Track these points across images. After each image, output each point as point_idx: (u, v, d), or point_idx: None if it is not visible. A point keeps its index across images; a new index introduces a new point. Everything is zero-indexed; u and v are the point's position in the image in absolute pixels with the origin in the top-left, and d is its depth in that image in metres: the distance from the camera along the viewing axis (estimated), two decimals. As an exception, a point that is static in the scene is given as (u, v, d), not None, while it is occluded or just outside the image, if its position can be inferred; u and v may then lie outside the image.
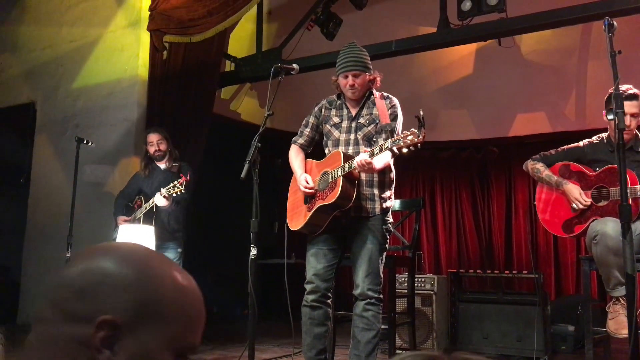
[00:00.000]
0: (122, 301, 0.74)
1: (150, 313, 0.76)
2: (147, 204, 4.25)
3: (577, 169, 3.28)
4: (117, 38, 5.63)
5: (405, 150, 2.61)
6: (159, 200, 4.11)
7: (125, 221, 4.36)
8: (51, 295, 0.77)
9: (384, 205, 2.97)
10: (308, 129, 3.20)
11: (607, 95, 3.17)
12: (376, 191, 2.96)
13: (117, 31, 5.65)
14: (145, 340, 0.75)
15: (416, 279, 4.23)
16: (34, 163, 5.96)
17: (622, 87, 3.00)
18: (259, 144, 2.78)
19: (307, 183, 2.96)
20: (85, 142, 4.65)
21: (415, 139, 2.56)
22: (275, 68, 3.00)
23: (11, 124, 6.20)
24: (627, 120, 3.03)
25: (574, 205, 3.17)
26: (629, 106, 3.02)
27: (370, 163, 2.71)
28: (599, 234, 2.90)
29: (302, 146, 3.21)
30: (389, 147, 2.65)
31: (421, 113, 2.54)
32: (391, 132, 2.88)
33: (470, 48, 6.46)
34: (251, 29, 6.20)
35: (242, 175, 2.70)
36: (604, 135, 3.28)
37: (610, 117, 2.49)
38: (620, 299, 2.89)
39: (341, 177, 2.80)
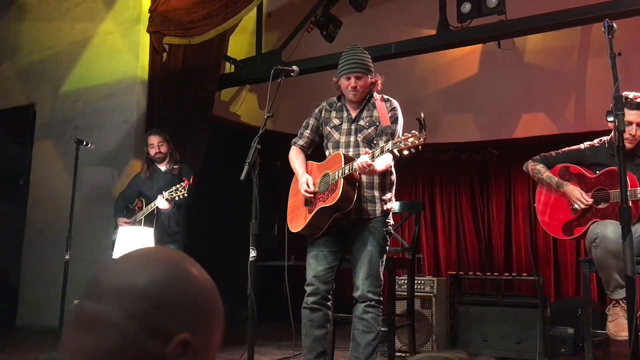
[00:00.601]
0: (198, 319, 0.77)
1: (206, 324, 0.79)
2: (149, 207, 4.25)
3: (577, 171, 3.28)
4: (117, 40, 5.63)
5: (406, 152, 2.61)
6: (161, 202, 4.12)
7: (126, 223, 4.36)
8: (126, 303, 0.75)
9: (385, 207, 2.97)
10: (308, 131, 3.19)
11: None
12: (377, 193, 2.95)
13: (116, 33, 5.65)
14: (202, 353, 0.78)
15: (416, 281, 4.22)
16: (34, 165, 5.95)
17: (630, 95, 3.02)
18: (259, 146, 2.78)
19: (308, 186, 2.95)
20: (84, 143, 4.65)
21: (417, 141, 2.56)
22: (275, 70, 3.00)
23: (11, 125, 6.20)
24: (633, 129, 3.03)
25: (575, 206, 3.17)
26: (635, 115, 3.03)
27: (371, 165, 2.71)
28: (599, 237, 2.89)
29: (302, 148, 3.20)
30: (390, 149, 2.65)
31: (422, 115, 2.54)
32: (392, 135, 2.88)
33: (470, 50, 6.47)
34: (251, 31, 6.20)
35: (242, 177, 2.70)
36: (605, 138, 3.27)
37: (610, 119, 2.49)
38: (620, 302, 2.89)
39: (342, 179, 2.79)
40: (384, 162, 2.84)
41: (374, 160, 2.72)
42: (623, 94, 2.88)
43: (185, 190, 4.00)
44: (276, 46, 5.92)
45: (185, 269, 0.80)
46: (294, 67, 3.06)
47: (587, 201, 3.13)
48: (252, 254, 2.75)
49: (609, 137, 3.25)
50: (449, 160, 7.31)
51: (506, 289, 4.89)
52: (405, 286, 4.05)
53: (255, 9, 5.69)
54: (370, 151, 2.75)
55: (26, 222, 5.84)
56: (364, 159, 2.70)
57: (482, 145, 7.10)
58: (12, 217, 5.95)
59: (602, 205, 3.12)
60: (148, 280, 0.76)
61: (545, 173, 3.34)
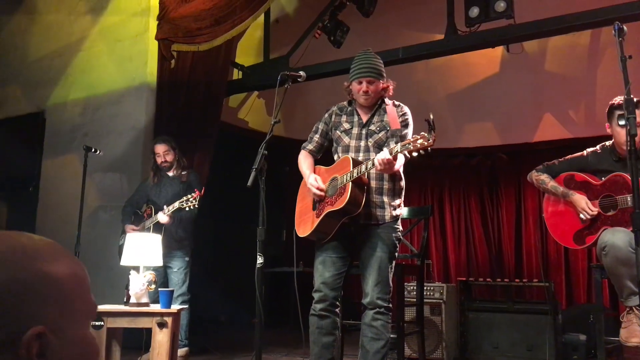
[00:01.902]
0: (31, 309, 0.72)
1: (59, 304, 0.75)
2: (152, 219, 4.27)
3: (582, 178, 3.23)
4: (126, 47, 5.66)
5: (415, 154, 2.59)
6: (162, 217, 4.19)
7: (134, 230, 4.37)
8: None
9: (394, 213, 2.94)
10: (317, 136, 3.18)
11: (609, 107, 3.14)
12: (386, 199, 2.93)
13: (125, 40, 5.68)
14: (67, 330, 0.74)
15: (425, 288, 4.19)
16: (43, 172, 5.99)
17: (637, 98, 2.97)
18: (266, 152, 2.76)
19: (317, 182, 2.94)
20: (93, 150, 4.68)
21: (426, 143, 2.54)
22: (282, 75, 2.99)
23: (21, 133, 6.24)
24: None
25: (582, 216, 3.13)
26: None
27: (391, 161, 2.68)
28: (608, 245, 2.85)
29: (311, 152, 3.19)
30: (399, 150, 2.63)
31: (431, 116, 2.51)
32: (401, 138, 2.87)
33: (479, 54, 6.44)
34: (258, 37, 6.21)
35: (249, 183, 2.69)
36: (607, 144, 3.23)
37: (622, 122, 2.46)
38: (635, 309, 2.84)
39: (350, 183, 2.77)
40: (399, 162, 2.82)
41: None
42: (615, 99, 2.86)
43: (196, 201, 4.01)
44: (284, 52, 5.93)
45: (12, 256, 0.74)
46: (301, 73, 3.05)
47: (592, 211, 3.09)
48: (259, 260, 2.73)
49: (610, 143, 3.20)
50: (458, 166, 7.26)
51: (517, 295, 4.84)
52: (414, 292, 4.01)
53: (262, 15, 5.70)
54: (389, 148, 2.72)
55: (36, 228, 5.86)
56: (384, 155, 2.67)
57: (492, 150, 7.05)
58: (22, 224, 5.98)
59: (611, 212, 3.08)
60: None
61: (550, 183, 3.29)
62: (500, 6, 4.56)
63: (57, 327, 0.73)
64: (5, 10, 6.71)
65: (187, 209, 4.06)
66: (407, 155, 2.66)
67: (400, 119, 2.97)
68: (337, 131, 3.09)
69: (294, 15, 6.58)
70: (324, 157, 3.24)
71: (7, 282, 0.71)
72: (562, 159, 3.34)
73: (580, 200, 3.14)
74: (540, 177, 3.34)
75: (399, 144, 2.66)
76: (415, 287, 4.05)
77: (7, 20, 6.67)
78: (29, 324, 0.70)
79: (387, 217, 2.92)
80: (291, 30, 6.27)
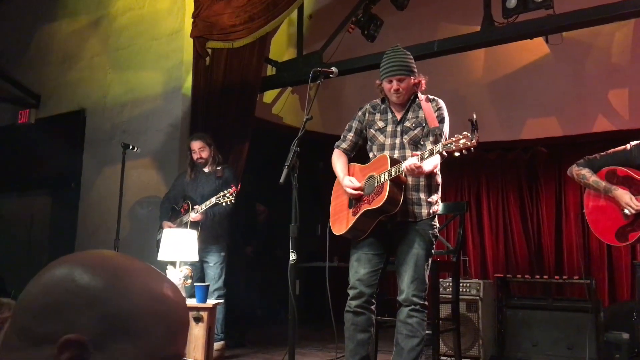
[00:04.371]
0: (87, 317, 0.69)
1: (121, 327, 0.70)
2: (188, 215, 4.33)
3: (625, 173, 3.12)
4: (162, 45, 5.75)
5: (457, 154, 2.55)
6: (193, 216, 4.26)
7: (170, 227, 4.44)
8: (15, 318, 0.71)
9: (431, 209, 2.91)
10: (351, 134, 3.16)
11: None
12: (423, 195, 2.89)
13: (161, 38, 5.77)
14: (116, 356, 0.70)
15: (461, 284, 4.13)
16: (84, 169, 6.14)
17: None
18: (298, 149, 2.76)
19: (352, 183, 2.92)
20: (131, 147, 4.77)
21: (468, 143, 2.50)
22: (314, 72, 2.98)
23: (63, 130, 6.41)
24: None
25: (626, 211, 3.02)
26: None
27: (419, 167, 2.66)
28: None
29: (345, 151, 3.17)
30: (440, 150, 2.59)
31: (474, 116, 2.47)
32: (439, 135, 2.83)
33: (518, 45, 6.29)
34: (292, 33, 6.22)
35: (281, 180, 2.69)
36: None
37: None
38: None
39: (388, 182, 2.75)
40: (431, 163, 2.79)
41: (422, 162, 2.67)
42: None
43: (232, 196, 4.06)
44: (317, 47, 5.91)
45: (74, 266, 0.73)
46: (333, 69, 3.03)
47: (637, 206, 2.98)
48: (292, 257, 2.73)
49: None
50: (495, 160, 7.12)
51: (557, 293, 4.73)
52: (450, 289, 3.96)
53: (296, 11, 5.70)
54: (419, 153, 2.70)
55: (78, 224, 6.03)
56: (412, 161, 2.65)
57: (531, 143, 6.88)
58: (65, 220, 6.16)
59: (656, 208, 2.97)
60: (33, 288, 0.72)
61: (591, 178, 3.19)
62: (539, -4, 4.43)
63: (111, 346, 0.70)
64: (45, 13, 6.90)
65: (223, 204, 4.11)
66: (446, 154, 2.62)
67: (436, 114, 2.93)
68: (372, 129, 3.06)
69: (327, 10, 6.55)
70: (357, 154, 3.21)
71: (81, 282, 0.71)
72: (604, 153, 3.24)
73: (624, 195, 3.04)
74: (581, 172, 3.25)
75: (439, 144, 2.62)
76: (450, 284, 4.00)
77: (47, 21, 6.86)
78: (74, 331, 0.69)
79: (424, 214, 2.89)
80: (324, 25, 6.25)
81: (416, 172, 2.67)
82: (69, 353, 0.67)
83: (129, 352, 0.70)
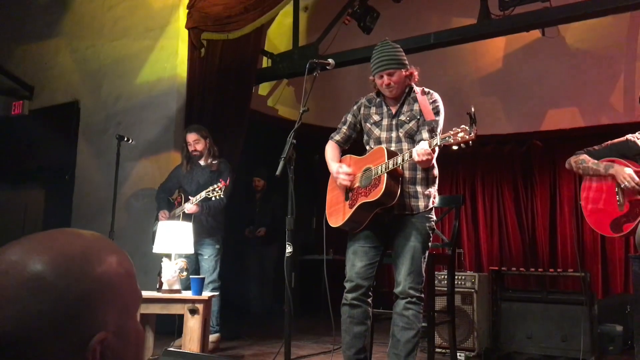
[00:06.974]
0: (96, 316, 0.72)
1: (117, 304, 0.75)
2: (181, 208, 4.31)
3: (623, 164, 3.13)
4: (157, 36, 5.71)
5: (455, 147, 2.54)
6: (188, 207, 4.23)
7: (164, 218, 4.42)
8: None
9: (428, 203, 2.91)
10: (345, 127, 3.15)
11: None
12: (419, 189, 2.89)
13: (156, 30, 5.73)
14: (124, 327, 0.76)
15: (456, 277, 4.14)
16: (78, 160, 6.11)
17: None
18: (294, 141, 2.75)
19: (342, 168, 2.91)
20: (125, 139, 4.74)
21: (467, 137, 2.49)
22: (310, 63, 2.96)
23: (56, 122, 6.36)
24: None
25: (626, 184, 3.00)
26: None
27: (430, 153, 2.64)
28: None
29: (338, 143, 3.17)
30: (439, 143, 2.58)
31: (472, 110, 2.46)
32: (435, 128, 2.82)
33: (513, 38, 6.28)
34: (288, 25, 6.19)
35: (277, 172, 2.68)
36: None
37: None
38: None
39: (385, 174, 2.74)
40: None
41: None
42: None
43: (221, 191, 4.03)
44: (313, 39, 5.89)
45: (72, 264, 0.73)
46: (330, 61, 3.01)
47: (635, 179, 2.97)
48: (288, 249, 2.73)
49: None
50: (490, 153, 7.13)
51: (551, 285, 4.75)
52: (445, 282, 3.97)
53: (291, 2, 5.67)
54: (428, 140, 2.68)
55: (72, 216, 6.00)
56: (424, 147, 2.63)
57: (526, 137, 6.90)
58: (59, 212, 6.13)
59: (652, 198, 2.97)
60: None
61: (590, 161, 3.19)
62: (536, -12, 4.43)
63: (117, 328, 0.75)
64: (38, 4, 6.83)
65: (213, 198, 4.09)
66: (440, 144, 2.61)
67: (431, 107, 2.91)
68: (367, 123, 3.05)
69: (323, 1, 6.53)
70: (352, 146, 3.21)
71: (69, 294, 0.71)
72: (603, 144, 3.24)
73: (624, 168, 3.02)
74: (580, 157, 3.24)
75: (438, 136, 2.61)
76: (446, 277, 4.01)
77: (41, 11, 6.79)
78: (93, 331, 0.71)
79: (421, 207, 2.88)
80: (320, 17, 6.23)
81: (426, 158, 2.66)
82: (98, 349, 0.71)
83: (126, 318, 0.77)
